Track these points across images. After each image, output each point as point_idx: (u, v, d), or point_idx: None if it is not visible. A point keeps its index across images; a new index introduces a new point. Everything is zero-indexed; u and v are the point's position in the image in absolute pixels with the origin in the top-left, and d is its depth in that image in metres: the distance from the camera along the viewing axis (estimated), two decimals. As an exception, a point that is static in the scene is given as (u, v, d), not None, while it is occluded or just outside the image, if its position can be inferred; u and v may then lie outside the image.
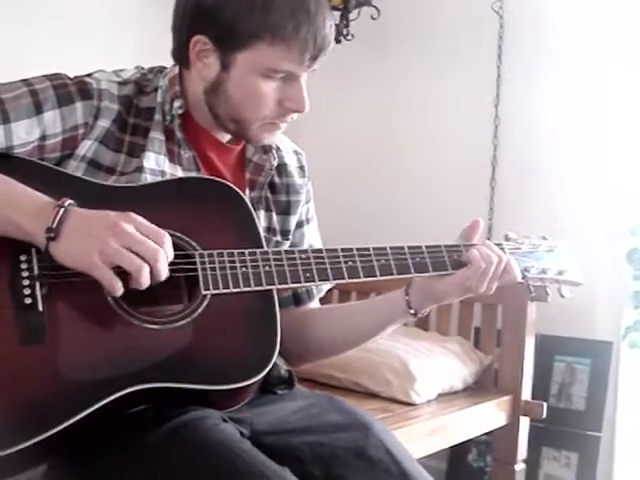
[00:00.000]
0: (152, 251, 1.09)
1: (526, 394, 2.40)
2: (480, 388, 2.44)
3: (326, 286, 1.52)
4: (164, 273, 1.11)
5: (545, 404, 2.37)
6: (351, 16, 2.97)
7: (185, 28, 1.28)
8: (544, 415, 2.37)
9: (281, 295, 1.43)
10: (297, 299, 1.49)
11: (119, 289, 1.09)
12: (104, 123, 1.26)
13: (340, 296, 2.71)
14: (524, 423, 2.40)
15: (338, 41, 2.96)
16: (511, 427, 2.38)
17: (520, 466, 2.41)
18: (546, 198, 2.69)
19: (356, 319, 1.45)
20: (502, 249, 1.36)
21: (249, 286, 1.20)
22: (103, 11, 2.62)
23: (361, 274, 1.28)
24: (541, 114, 2.76)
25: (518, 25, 2.82)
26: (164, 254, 1.11)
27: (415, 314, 1.36)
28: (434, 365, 2.29)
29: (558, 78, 2.72)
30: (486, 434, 2.47)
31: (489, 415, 2.33)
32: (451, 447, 2.60)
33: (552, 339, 2.64)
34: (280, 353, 1.44)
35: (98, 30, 2.57)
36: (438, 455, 2.54)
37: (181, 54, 1.32)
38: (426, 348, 2.35)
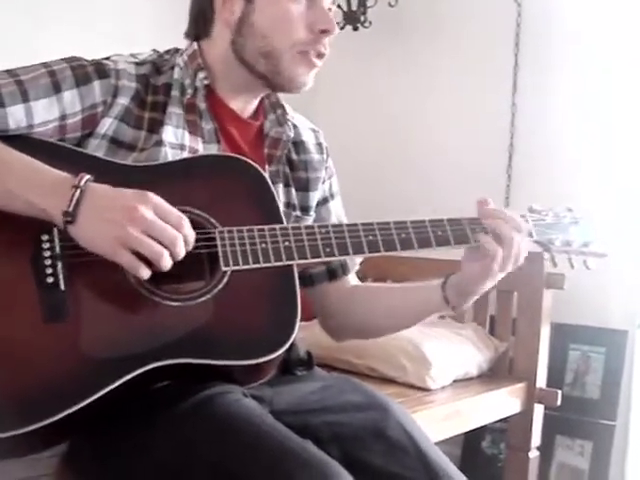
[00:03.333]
0: (171, 236, 1.10)
1: (541, 382, 2.40)
2: (495, 375, 2.44)
3: (359, 259, 1.52)
4: (181, 255, 1.12)
5: (560, 392, 2.37)
6: (369, 3, 2.96)
7: None
8: (559, 403, 2.37)
9: (315, 271, 1.46)
10: (331, 273, 1.49)
11: (145, 273, 1.10)
12: (123, 101, 1.27)
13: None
14: (538, 410, 2.41)
15: (356, 28, 2.96)
16: (525, 414, 2.39)
17: (534, 453, 2.42)
18: (562, 185, 2.67)
19: (395, 304, 1.45)
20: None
21: (269, 262, 1.21)
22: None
23: (382, 248, 1.27)
24: (559, 102, 2.75)
25: (536, 14, 2.80)
26: (181, 238, 1.12)
27: (454, 309, 1.36)
28: (449, 351, 2.29)
29: (577, 67, 2.71)
30: (500, 421, 2.47)
31: (504, 402, 2.33)
32: (465, 434, 2.60)
33: (567, 327, 2.64)
34: (325, 329, 1.46)
35: (114, 17, 2.59)
36: (452, 441, 2.55)
37: (202, 18, 1.35)
38: (441, 334, 2.35)
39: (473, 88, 2.92)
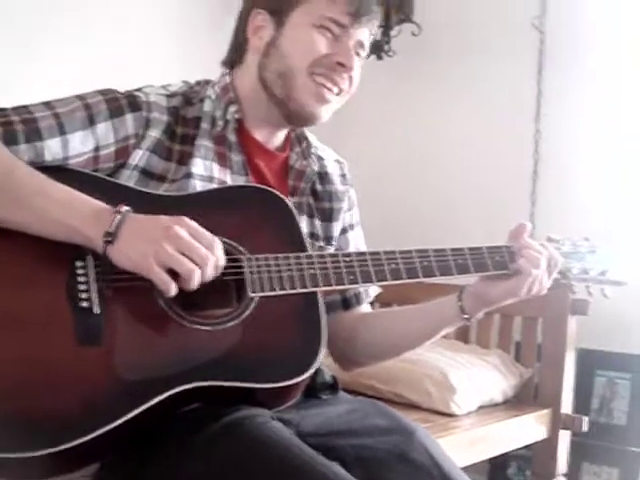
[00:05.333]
0: (203, 255, 1.15)
1: (566, 407, 2.40)
2: (520, 401, 2.44)
3: (374, 290, 1.56)
4: (210, 275, 1.16)
5: (586, 418, 2.37)
6: (392, 33, 3.01)
7: (244, 9, 1.40)
8: (585, 428, 2.36)
9: (329, 299, 1.48)
10: (345, 303, 1.52)
11: (173, 290, 1.14)
12: (155, 133, 1.32)
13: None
14: (564, 437, 2.40)
15: (380, 57, 3.01)
16: (551, 441, 2.38)
17: (560, 480, 2.41)
18: (586, 211, 2.68)
19: (411, 323, 1.48)
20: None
21: (294, 288, 1.25)
22: (160, 27, 2.71)
23: (404, 275, 1.31)
24: (582, 128, 2.76)
25: (558, 40, 2.83)
26: (213, 259, 1.16)
27: (469, 319, 1.40)
28: (474, 377, 2.30)
29: (600, 94, 2.73)
30: (526, 448, 2.47)
31: (529, 428, 2.33)
32: (490, 461, 2.60)
33: (593, 353, 2.63)
34: (334, 357, 1.49)
35: (155, 46, 2.67)
36: (478, 469, 2.54)
37: (237, 46, 1.42)
38: (466, 360, 2.36)
39: (496, 116, 2.94)
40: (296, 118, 1.40)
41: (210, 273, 1.16)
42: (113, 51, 2.56)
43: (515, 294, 1.36)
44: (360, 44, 1.39)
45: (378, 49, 3.00)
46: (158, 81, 1.41)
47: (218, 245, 1.17)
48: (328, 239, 1.50)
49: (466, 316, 1.39)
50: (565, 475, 2.43)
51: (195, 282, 1.14)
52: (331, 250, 1.49)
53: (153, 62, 2.61)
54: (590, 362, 2.64)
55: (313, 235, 1.47)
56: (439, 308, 1.44)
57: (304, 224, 1.45)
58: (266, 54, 1.37)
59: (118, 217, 1.15)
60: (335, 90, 1.37)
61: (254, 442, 1.15)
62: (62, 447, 1.06)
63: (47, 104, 1.27)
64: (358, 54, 1.39)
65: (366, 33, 1.39)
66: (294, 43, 1.35)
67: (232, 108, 1.38)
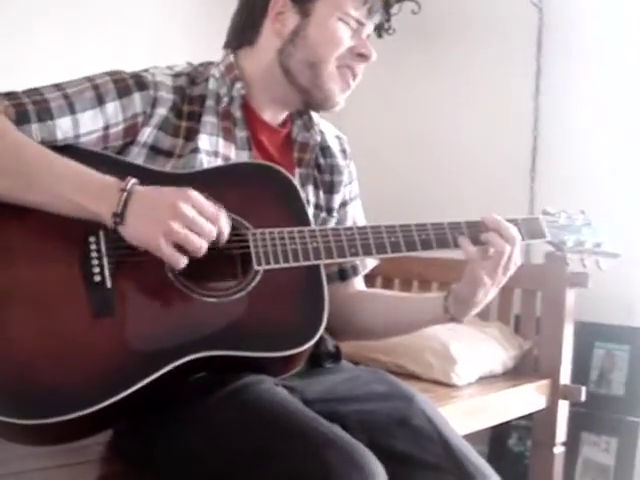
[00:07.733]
0: (208, 231, 1.20)
1: (565, 378, 2.44)
2: (520, 372, 2.49)
3: (370, 263, 1.61)
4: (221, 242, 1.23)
5: (584, 388, 2.41)
6: (392, 11, 3.03)
7: None
8: (583, 398, 2.41)
9: (328, 271, 1.52)
10: (342, 274, 1.57)
11: (183, 264, 1.19)
12: (162, 111, 1.36)
13: (383, 283, 2.77)
14: (563, 406, 2.45)
15: (380, 35, 3.03)
16: (550, 410, 2.43)
17: (559, 449, 2.46)
18: (586, 186, 2.71)
19: (399, 313, 1.53)
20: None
21: (298, 261, 1.30)
22: (153, 12, 2.73)
23: (403, 248, 1.36)
24: (581, 105, 2.79)
25: (557, 18, 2.85)
26: (219, 232, 1.21)
27: (453, 319, 1.43)
28: (474, 349, 2.35)
29: (598, 71, 2.75)
30: (526, 418, 2.52)
31: (528, 398, 2.38)
32: (491, 431, 2.65)
33: (592, 326, 2.67)
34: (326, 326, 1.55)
35: (148, 33, 2.69)
36: (479, 439, 2.59)
37: (249, 27, 1.44)
38: (467, 332, 2.40)
39: (496, 92, 2.97)
40: (316, 104, 1.46)
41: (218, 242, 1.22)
42: (114, 37, 2.59)
43: (478, 283, 1.37)
44: (368, 35, 1.45)
45: (379, 27, 3.01)
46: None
47: (222, 214, 1.22)
48: (329, 210, 1.54)
49: (449, 317, 1.43)
50: (564, 444, 2.48)
51: (201, 254, 1.20)
52: (333, 222, 1.54)
53: (156, 48, 2.64)
54: (589, 334, 2.68)
55: (317, 206, 1.52)
56: (425, 306, 1.49)
57: (311, 195, 1.50)
58: (291, 41, 1.40)
59: (124, 196, 1.19)
60: (355, 76, 1.45)
61: (258, 405, 1.21)
62: (80, 413, 1.11)
63: (57, 85, 1.32)
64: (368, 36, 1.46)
65: (372, 26, 1.45)
66: (323, 34, 1.39)
67: (238, 85, 1.42)
